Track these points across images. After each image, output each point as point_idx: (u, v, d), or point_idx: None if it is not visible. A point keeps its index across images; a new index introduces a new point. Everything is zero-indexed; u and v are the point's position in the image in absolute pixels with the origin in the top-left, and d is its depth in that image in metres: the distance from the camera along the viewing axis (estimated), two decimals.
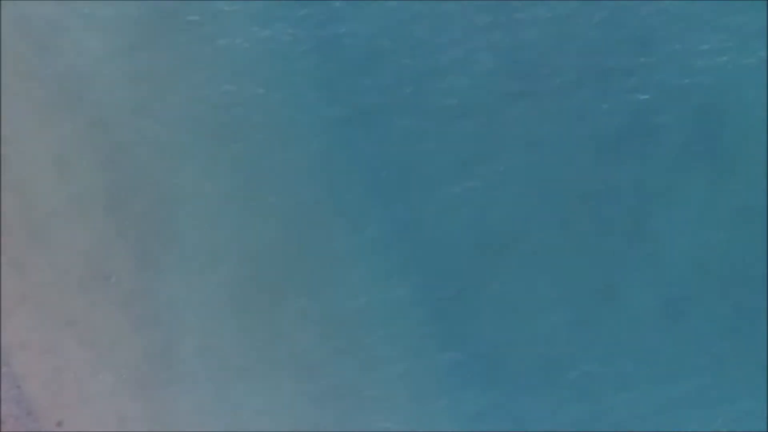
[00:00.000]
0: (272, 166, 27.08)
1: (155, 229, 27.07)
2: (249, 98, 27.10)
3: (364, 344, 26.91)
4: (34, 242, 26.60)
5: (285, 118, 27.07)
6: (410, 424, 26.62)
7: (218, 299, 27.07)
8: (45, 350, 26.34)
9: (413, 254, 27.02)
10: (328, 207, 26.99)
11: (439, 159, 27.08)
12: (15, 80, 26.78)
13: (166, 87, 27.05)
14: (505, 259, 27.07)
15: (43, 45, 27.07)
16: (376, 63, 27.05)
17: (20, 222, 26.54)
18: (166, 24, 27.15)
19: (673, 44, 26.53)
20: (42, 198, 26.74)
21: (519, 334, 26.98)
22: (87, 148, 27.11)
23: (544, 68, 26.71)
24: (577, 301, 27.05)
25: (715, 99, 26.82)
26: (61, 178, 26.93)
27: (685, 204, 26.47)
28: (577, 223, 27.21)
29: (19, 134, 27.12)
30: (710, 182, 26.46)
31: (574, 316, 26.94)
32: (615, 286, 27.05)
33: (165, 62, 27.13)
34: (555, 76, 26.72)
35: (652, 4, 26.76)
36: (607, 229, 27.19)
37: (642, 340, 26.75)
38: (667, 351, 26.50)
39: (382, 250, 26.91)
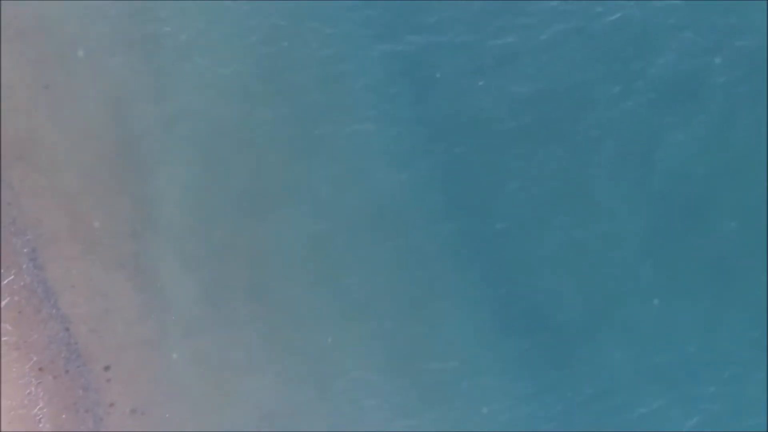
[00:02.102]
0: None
1: (207, 172, 26.75)
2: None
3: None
4: (85, 183, 26.25)
5: None
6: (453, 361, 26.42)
7: (270, 243, 26.94)
8: (94, 293, 26.10)
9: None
10: None
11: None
12: None
13: None
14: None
15: None
16: None
17: (72, 161, 26.29)
18: None
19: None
20: (94, 139, 26.46)
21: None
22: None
23: None
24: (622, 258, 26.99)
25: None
26: (114, 120, 26.71)
27: None
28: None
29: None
30: None
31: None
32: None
33: None
34: None
35: None
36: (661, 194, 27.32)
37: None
38: None
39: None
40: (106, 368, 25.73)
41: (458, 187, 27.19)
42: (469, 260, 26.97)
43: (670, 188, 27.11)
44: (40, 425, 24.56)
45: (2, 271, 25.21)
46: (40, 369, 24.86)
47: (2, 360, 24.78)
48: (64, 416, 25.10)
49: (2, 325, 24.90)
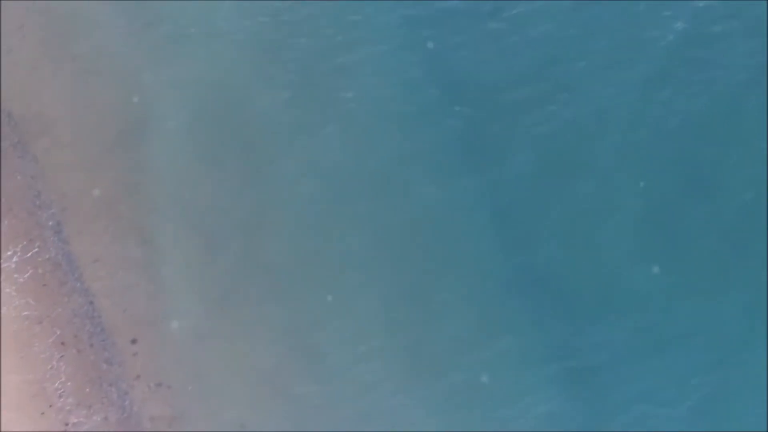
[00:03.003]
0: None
1: (234, 148, 26.56)
2: None
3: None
4: (109, 158, 26.12)
5: None
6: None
7: (295, 218, 26.71)
8: (118, 267, 25.95)
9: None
10: None
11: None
12: None
13: None
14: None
15: None
16: None
17: (95, 136, 26.22)
18: None
19: None
20: (117, 114, 26.33)
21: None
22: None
23: None
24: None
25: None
26: (137, 94, 26.63)
27: None
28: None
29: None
30: None
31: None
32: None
33: None
34: None
35: None
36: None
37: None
38: None
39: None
40: (133, 341, 25.56)
41: (468, 152, 26.82)
42: (477, 227, 26.63)
43: (678, 156, 26.58)
44: (62, 399, 24.40)
45: (26, 243, 25.04)
46: (63, 343, 24.76)
47: (24, 334, 24.62)
48: (87, 390, 24.95)
49: (25, 299, 24.77)
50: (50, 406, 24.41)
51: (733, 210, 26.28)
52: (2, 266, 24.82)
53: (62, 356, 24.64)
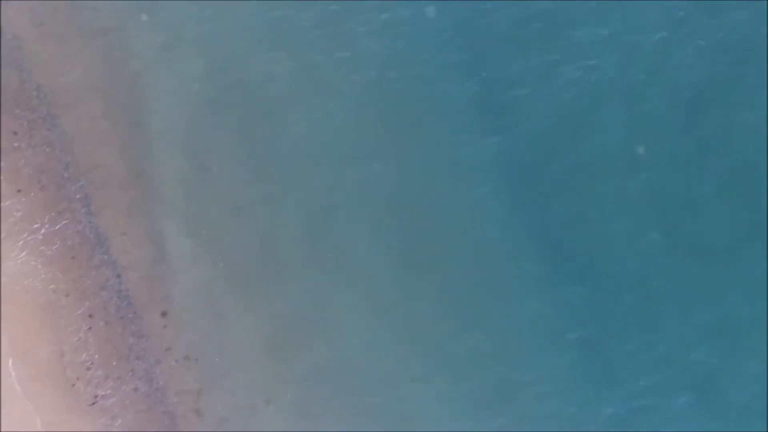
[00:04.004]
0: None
1: (259, 121, 26.38)
2: None
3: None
4: (137, 130, 26.06)
5: None
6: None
7: (325, 192, 26.55)
8: (145, 240, 25.91)
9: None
10: None
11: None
12: None
13: None
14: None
15: None
16: None
17: (124, 108, 26.15)
18: None
19: None
20: (146, 87, 26.22)
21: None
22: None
23: None
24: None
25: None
26: (168, 69, 26.51)
27: None
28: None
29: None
30: None
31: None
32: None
33: None
34: None
35: None
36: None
37: None
38: None
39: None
40: (163, 314, 25.51)
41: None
42: (518, 207, 26.38)
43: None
44: (90, 372, 24.43)
45: (55, 215, 25.07)
46: (91, 315, 24.79)
47: (52, 307, 24.69)
48: (114, 363, 24.94)
49: (52, 272, 24.80)
50: (78, 378, 24.37)
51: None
52: (29, 239, 24.77)
53: (90, 328, 24.64)
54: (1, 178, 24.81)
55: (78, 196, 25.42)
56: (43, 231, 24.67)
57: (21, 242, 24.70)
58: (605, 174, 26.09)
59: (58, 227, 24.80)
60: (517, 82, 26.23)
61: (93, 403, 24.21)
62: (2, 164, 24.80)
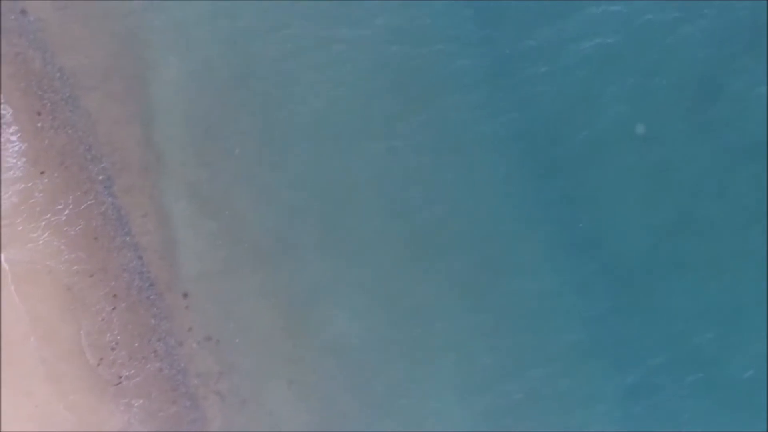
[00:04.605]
0: None
1: (280, 102, 26.49)
2: None
3: None
4: (159, 113, 26.12)
5: None
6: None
7: (346, 174, 26.62)
8: (167, 221, 26.06)
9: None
10: None
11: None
12: None
13: None
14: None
15: None
16: None
17: (146, 91, 26.21)
18: None
19: None
20: (167, 68, 26.28)
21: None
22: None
23: None
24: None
25: None
26: (186, 50, 26.57)
27: None
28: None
29: None
30: None
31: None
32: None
33: None
34: None
35: None
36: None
37: None
38: None
39: None
40: (185, 295, 25.60)
41: (525, 113, 26.67)
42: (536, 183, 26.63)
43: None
44: (114, 352, 24.52)
45: (80, 195, 25.14)
46: (115, 296, 24.85)
47: (76, 287, 24.77)
48: (136, 344, 25.01)
49: (76, 252, 24.86)
50: (102, 358, 24.45)
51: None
52: (52, 219, 24.83)
53: (114, 308, 24.70)
54: (25, 159, 24.73)
55: (100, 178, 25.48)
56: (66, 212, 24.74)
57: (44, 223, 24.72)
58: (616, 151, 26.39)
59: (82, 208, 24.86)
60: (532, 60, 26.49)
61: (118, 384, 24.24)
62: (26, 146, 24.77)
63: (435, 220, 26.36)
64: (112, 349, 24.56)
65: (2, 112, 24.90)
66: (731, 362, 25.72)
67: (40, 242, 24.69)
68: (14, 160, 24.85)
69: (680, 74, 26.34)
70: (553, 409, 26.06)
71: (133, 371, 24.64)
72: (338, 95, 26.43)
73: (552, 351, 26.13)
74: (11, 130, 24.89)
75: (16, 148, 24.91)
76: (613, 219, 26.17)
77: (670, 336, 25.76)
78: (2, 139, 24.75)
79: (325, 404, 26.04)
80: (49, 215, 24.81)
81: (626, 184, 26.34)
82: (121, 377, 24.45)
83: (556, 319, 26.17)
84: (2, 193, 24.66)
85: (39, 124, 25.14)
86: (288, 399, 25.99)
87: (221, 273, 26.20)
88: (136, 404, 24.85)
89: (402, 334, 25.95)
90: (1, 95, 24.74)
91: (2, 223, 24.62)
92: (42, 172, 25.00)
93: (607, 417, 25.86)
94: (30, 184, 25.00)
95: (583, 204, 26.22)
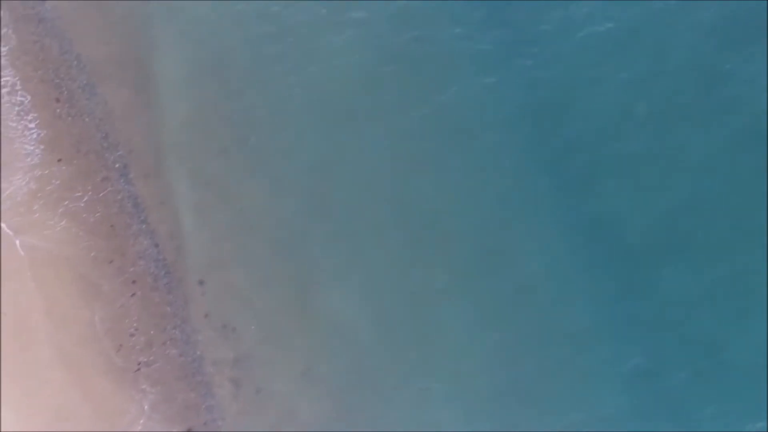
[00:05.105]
0: None
1: (297, 90, 26.74)
2: None
3: None
4: (175, 101, 26.29)
5: None
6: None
7: (364, 163, 26.79)
8: (182, 209, 26.11)
9: None
10: None
11: None
12: None
13: None
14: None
15: None
16: None
17: (162, 79, 26.35)
18: None
19: None
20: (185, 57, 26.44)
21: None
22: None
23: None
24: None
25: None
26: (204, 39, 26.76)
27: None
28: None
29: None
30: None
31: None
32: None
33: None
34: None
35: None
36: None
37: None
38: None
39: None
40: (201, 283, 25.65)
41: (533, 97, 26.98)
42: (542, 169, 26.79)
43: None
44: (133, 338, 24.57)
45: (99, 182, 25.21)
46: (134, 282, 24.91)
47: (94, 274, 24.83)
48: (152, 332, 25.08)
49: (94, 239, 24.93)
50: (121, 345, 24.47)
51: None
52: (70, 206, 24.90)
53: (134, 295, 24.75)
54: (43, 147, 24.81)
55: (116, 165, 25.59)
56: (85, 199, 24.77)
57: (62, 210, 24.75)
58: (624, 135, 26.69)
59: (101, 195, 24.86)
60: (541, 43, 26.87)
61: (137, 370, 24.27)
62: (44, 133, 24.85)
63: (444, 205, 26.54)
64: (131, 335, 24.60)
65: (20, 99, 24.87)
66: (734, 345, 25.70)
67: (58, 229, 24.74)
68: (32, 147, 24.86)
69: (688, 59, 26.60)
70: (555, 391, 26.00)
71: (152, 357, 24.63)
72: (351, 80, 26.76)
73: (559, 333, 26.13)
74: (29, 117, 24.95)
75: (35, 135, 24.92)
76: (620, 201, 26.37)
77: (675, 317, 25.90)
78: (20, 126, 24.71)
79: (339, 393, 25.94)
80: (67, 202, 24.86)
81: (632, 167, 26.52)
82: (140, 363, 24.46)
83: (562, 301, 26.22)
84: (20, 180, 24.61)
85: (57, 110, 25.16)
86: (302, 387, 25.86)
87: (237, 260, 26.20)
88: (152, 391, 24.84)
89: (415, 322, 26.05)
90: (19, 82, 24.70)
91: (20, 209, 24.53)
92: (59, 159, 25.06)
93: (612, 398, 25.82)
94: (47, 171, 25.07)
95: (590, 186, 26.42)
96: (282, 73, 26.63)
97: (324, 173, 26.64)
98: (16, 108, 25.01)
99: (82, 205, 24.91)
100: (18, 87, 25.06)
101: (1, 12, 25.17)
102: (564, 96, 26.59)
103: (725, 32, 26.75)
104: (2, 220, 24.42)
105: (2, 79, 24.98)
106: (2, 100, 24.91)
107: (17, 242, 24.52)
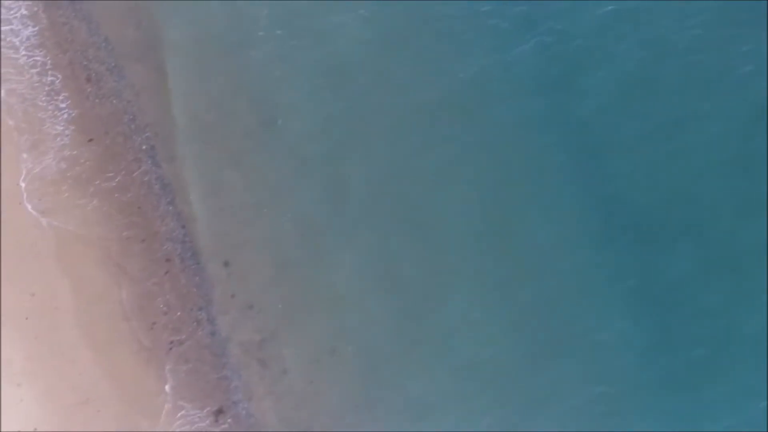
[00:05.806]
0: None
1: (325, 73, 27.12)
2: None
3: None
4: (202, 83, 26.52)
5: None
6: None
7: (392, 146, 26.99)
8: (209, 191, 26.30)
9: None
10: None
11: None
12: None
13: None
14: None
15: None
16: None
17: (189, 61, 26.63)
18: None
19: None
20: (212, 39, 26.71)
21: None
22: None
23: None
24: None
25: None
26: (230, 22, 27.07)
27: None
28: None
29: None
30: None
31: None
32: None
33: None
34: None
35: None
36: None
37: None
38: None
39: None
40: (226, 264, 25.81)
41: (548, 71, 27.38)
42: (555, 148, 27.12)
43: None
44: (166, 316, 24.67)
45: (132, 161, 25.35)
46: (168, 260, 25.04)
47: (126, 252, 24.91)
48: (179, 313, 25.18)
49: (129, 218, 25.04)
50: (154, 323, 24.55)
51: None
52: (102, 186, 24.98)
53: (167, 272, 24.86)
54: (73, 127, 24.92)
55: (144, 147, 25.75)
56: (118, 179, 24.85)
57: (92, 189, 24.80)
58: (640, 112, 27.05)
59: (134, 175, 24.97)
60: (557, 18, 27.29)
61: (170, 349, 24.35)
62: (75, 113, 24.95)
63: (465, 182, 26.78)
64: (165, 313, 24.68)
65: (51, 79, 24.96)
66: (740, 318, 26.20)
67: (89, 208, 24.74)
68: (62, 127, 24.92)
69: (707, 35, 27.13)
70: (569, 365, 26.19)
71: (182, 337, 24.69)
72: (371, 56, 27.05)
73: (570, 308, 26.32)
74: (60, 97, 25.02)
75: (65, 116, 24.99)
76: (636, 177, 26.70)
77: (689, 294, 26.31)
78: (51, 106, 24.79)
79: (366, 373, 26.04)
80: (98, 182, 24.88)
81: (649, 143, 26.88)
82: (171, 342, 24.55)
83: (575, 274, 26.45)
84: (50, 160, 24.66)
85: (87, 91, 25.25)
86: (329, 368, 25.97)
87: (262, 242, 26.33)
88: (180, 370, 24.86)
89: (449, 305, 26.23)
90: (50, 62, 24.80)
91: (48, 189, 24.57)
92: (90, 140, 25.14)
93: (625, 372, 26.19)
94: (76, 152, 25.07)
95: (607, 161, 26.79)
96: (312, 58, 26.94)
97: (352, 157, 26.82)
98: (47, 88, 25.04)
99: (114, 184, 24.93)
100: (48, 66, 25.09)
101: None
102: (580, 70, 26.99)
103: (744, 9, 27.26)
104: (31, 199, 24.32)
105: (33, 59, 24.93)
106: (33, 80, 24.86)
107: (45, 222, 24.46)
